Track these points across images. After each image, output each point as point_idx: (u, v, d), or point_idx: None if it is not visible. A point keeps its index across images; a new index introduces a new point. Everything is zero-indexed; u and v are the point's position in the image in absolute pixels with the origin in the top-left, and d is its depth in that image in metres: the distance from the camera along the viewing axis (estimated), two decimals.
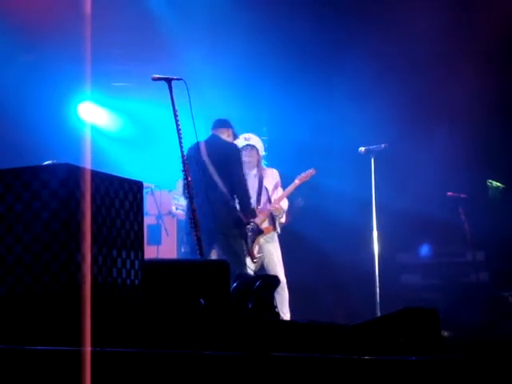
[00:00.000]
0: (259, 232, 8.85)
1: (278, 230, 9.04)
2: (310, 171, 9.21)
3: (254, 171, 9.06)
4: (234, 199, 7.99)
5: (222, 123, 8.33)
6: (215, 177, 7.88)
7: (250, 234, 8.77)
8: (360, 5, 10.26)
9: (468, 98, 9.92)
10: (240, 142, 8.93)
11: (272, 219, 9.02)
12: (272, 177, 9.18)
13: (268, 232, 8.94)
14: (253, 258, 8.43)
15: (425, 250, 10.62)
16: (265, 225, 8.94)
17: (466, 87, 9.98)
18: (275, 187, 9.16)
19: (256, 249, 8.82)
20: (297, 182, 9.20)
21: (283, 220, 9.13)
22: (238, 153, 8.21)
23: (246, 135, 8.98)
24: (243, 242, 8.17)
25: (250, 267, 8.46)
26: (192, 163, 7.88)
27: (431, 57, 10.33)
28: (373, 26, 10.16)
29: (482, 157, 10.22)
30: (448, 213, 9.89)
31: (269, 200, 9.07)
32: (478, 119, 10.13)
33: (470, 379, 3.61)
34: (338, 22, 10.30)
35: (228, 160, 7.83)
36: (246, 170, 8.83)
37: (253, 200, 9.00)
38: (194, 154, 7.91)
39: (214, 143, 8.14)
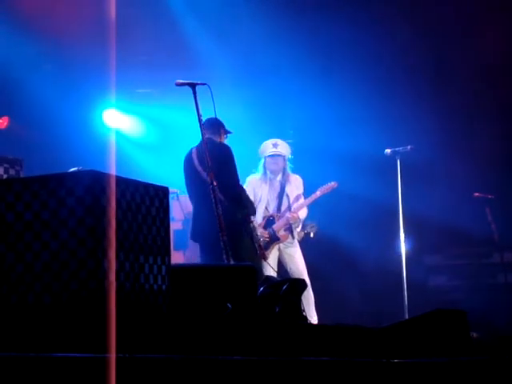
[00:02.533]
0: (276, 239, 8.87)
1: (296, 237, 9.04)
2: (332, 184, 9.22)
3: (279, 177, 9.05)
4: (234, 202, 7.83)
5: (211, 125, 8.11)
6: (209, 180, 7.69)
7: (266, 239, 8.78)
8: (382, 5, 10.24)
9: (495, 98, 9.88)
10: (267, 148, 8.92)
11: (289, 227, 9.02)
12: (295, 185, 9.14)
13: (284, 239, 8.95)
14: (264, 256, 8.30)
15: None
16: (281, 232, 8.95)
17: (493, 87, 9.94)
18: (297, 198, 9.13)
19: (272, 254, 8.82)
20: (318, 193, 9.21)
21: (299, 229, 9.12)
22: (228, 152, 7.95)
23: (274, 141, 8.96)
24: (249, 239, 8.03)
25: (274, 269, 8.45)
26: (186, 171, 7.86)
27: (459, 56, 10.27)
28: (400, 25, 10.12)
29: (509, 157, 10.15)
30: (475, 213, 9.83)
31: (289, 208, 9.06)
32: (504, 119, 10.07)
33: (500, 381, 3.58)
34: (365, 22, 10.27)
35: (218, 162, 7.66)
36: (270, 175, 8.82)
37: (274, 206, 9.00)
38: (187, 161, 7.86)
39: (205, 148, 7.83)
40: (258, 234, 8.70)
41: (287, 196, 9.08)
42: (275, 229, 8.89)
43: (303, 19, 10.25)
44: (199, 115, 6.69)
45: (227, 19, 10.25)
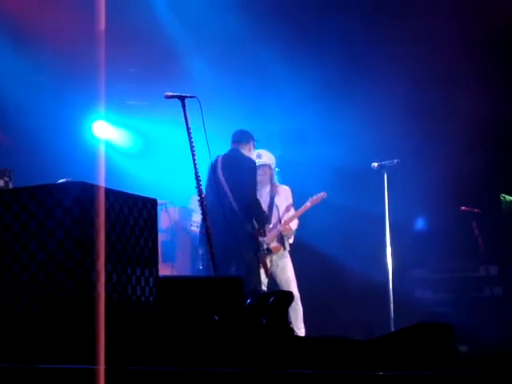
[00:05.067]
0: (268, 251, 8.90)
1: (288, 248, 9.08)
2: (322, 194, 9.26)
3: (267, 188, 9.07)
4: (247, 215, 7.96)
5: (242, 136, 8.24)
6: (228, 192, 7.87)
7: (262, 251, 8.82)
8: (375, 24, 10.29)
9: (480, 112, 9.93)
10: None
11: (281, 239, 9.06)
12: (284, 196, 9.18)
13: (277, 251, 8.98)
14: (267, 272, 8.43)
15: (420, 223, 10.57)
16: (273, 244, 8.98)
17: (478, 101, 9.99)
18: (287, 209, 9.17)
19: (262, 270, 8.85)
20: (308, 204, 9.25)
21: (291, 241, 9.16)
22: (254, 169, 8.15)
23: (256, 152, 9.00)
24: (257, 256, 8.17)
25: (264, 283, 8.48)
26: (209, 178, 7.93)
27: (445, 71, 10.34)
28: (388, 44, 10.20)
29: (496, 171, 10.20)
30: (461, 227, 9.87)
31: (279, 219, 9.09)
32: (491, 134, 10.12)
33: None
34: (353, 37, 10.33)
35: (242, 176, 7.82)
36: (258, 186, 8.85)
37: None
38: (211, 168, 7.96)
39: (231, 158, 8.10)
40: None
41: (277, 207, 9.11)
42: (267, 241, 8.93)
43: (293, 35, 10.30)
44: (188, 127, 6.72)
45: (217, 32, 10.28)
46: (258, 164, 8.87)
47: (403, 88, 10.25)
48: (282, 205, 9.14)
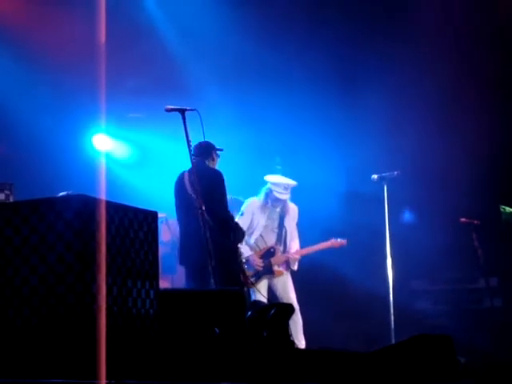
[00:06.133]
0: (270, 272, 8.91)
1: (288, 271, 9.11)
2: (343, 241, 9.36)
3: (279, 208, 9.05)
4: (222, 227, 7.79)
5: (202, 148, 7.90)
6: (198, 205, 7.66)
7: (260, 268, 8.80)
8: (376, 42, 10.35)
9: (479, 124, 9.95)
10: (281, 188, 8.89)
11: (287, 265, 9.07)
12: (292, 216, 9.14)
13: (279, 275, 8.99)
14: (247, 282, 8.25)
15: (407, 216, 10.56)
16: (276, 267, 8.98)
17: (478, 114, 10.02)
18: (293, 230, 9.20)
19: (262, 284, 8.84)
20: (328, 244, 9.37)
21: (295, 268, 9.16)
22: (219, 177, 7.93)
23: (288, 184, 8.93)
24: (235, 265, 8.00)
25: (263, 295, 8.47)
26: (177, 195, 7.85)
27: (443, 83, 10.37)
28: (387, 63, 10.26)
29: (495, 183, 10.21)
30: (461, 239, 9.87)
31: (284, 241, 9.11)
32: (490, 145, 10.14)
33: None
34: (354, 57, 10.40)
35: (209, 187, 7.64)
36: (271, 205, 8.85)
37: (272, 237, 9.01)
38: (178, 185, 7.83)
39: (197, 172, 7.78)
40: (251, 260, 8.74)
41: (284, 227, 9.12)
42: (272, 262, 8.92)
43: (292, 53, 10.38)
44: (188, 140, 6.72)
45: (215, 45, 10.31)
46: (284, 199, 8.90)
47: (401, 102, 10.28)
48: (290, 225, 9.14)
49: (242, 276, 7.87)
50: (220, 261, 7.01)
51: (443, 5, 10.20)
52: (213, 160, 7.98)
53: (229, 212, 7.85)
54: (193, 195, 7.45)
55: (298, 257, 9.11)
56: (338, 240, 9.41)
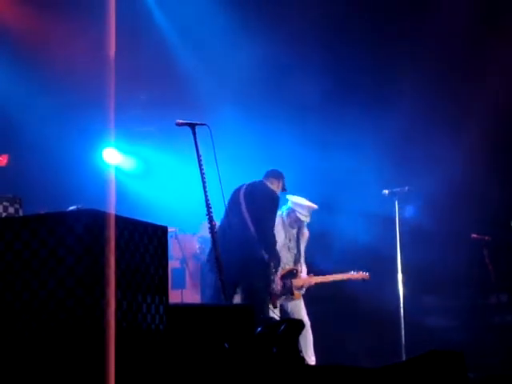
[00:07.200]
0: (290, 293, 8.89)
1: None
2: (366, 275, 9.31)
3: (295, 230, 9.05)
4: (265, 246, 7.92)
5: (273, 173, 8.37)
6: (249, 221, 7.84)
7: (279, 288, 8.78)
8: (375, 65, 10.37)
9: (489, 139, 9.95)
10: (306, 211, 8.90)
11: (302, 288, 9.08)
12: (304, 239, 9.19)
13: (297, 298, 8.98)
14: (274, 302, 8.39)
15: (409, 210, 10.53)
16: (296, 290, 8.96)
17: (491, 125, 10.01)
18: (303, 253, 9.20)
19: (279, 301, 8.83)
20: (349, 275, 9.36)
21: (303, 291, 9.14)
22: (277, 201, 8.17)
23: (313, 208, 8.96)
24: (267, 283, 8.13)
25: (275, 312, 8.45)
26: (230, 202, 7.96)
27: (447, 95, 10.39)
28: (392, 70, 10.28)
29: (506, 199, 10.19)
30: (472, 255, 9.85)
31: (298, 260, 9.11)
32: (500, 160, 10.12)
33: None
34: (358, 78, 10.43)
35: (263, 206, 7.83)
36: (289, 226, 8.85)
37: (290, 257, 8.99)
38: (233, 192, 8.03)
39: (255, 186, 8.15)
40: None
41: (299, 250, 9.12)
42: (294, 284, 8.90)
43: (291, 71, 10.41)
44: (198, 155, 6.73)
45: (225, 60, 10.35)
46: (306, 222, 8.90)
47: (411, 115, 10.28)
48: (303, 248, 9.16)
49: (269, 297, 7.98)
50: (253, 277, 7.09)
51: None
52: (277, 186, 8.26)
53: (274, 236, 8.00)
54: (244, 208, 7.61)
55: (313, 284, 9.09)
56: (360, 273, 9.36)
